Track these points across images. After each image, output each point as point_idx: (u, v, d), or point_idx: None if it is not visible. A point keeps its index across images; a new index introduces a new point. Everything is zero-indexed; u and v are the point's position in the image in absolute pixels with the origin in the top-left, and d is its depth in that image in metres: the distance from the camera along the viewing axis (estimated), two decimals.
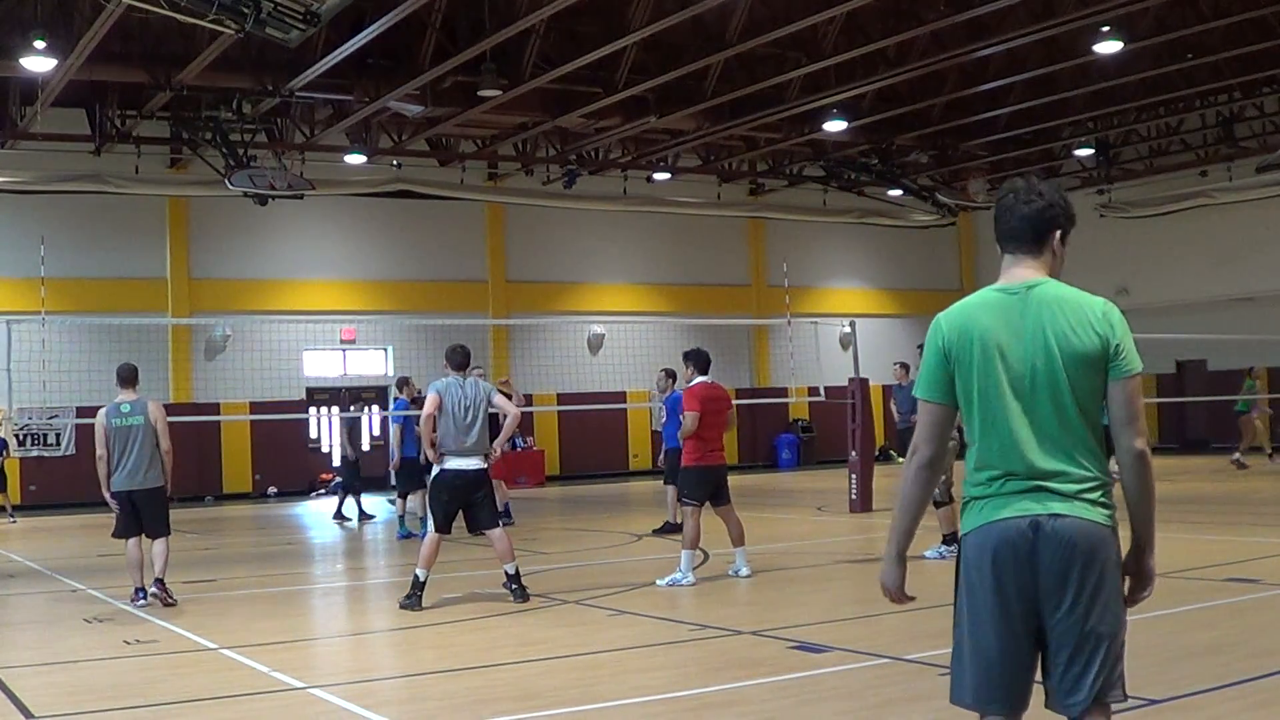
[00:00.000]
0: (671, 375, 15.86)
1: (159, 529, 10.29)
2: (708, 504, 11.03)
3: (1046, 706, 3.54)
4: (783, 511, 19.42)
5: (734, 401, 11.88)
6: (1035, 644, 3.51)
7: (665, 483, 15.88)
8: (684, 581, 10.68)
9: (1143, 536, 3.74)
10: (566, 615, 9.59)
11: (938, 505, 12.19)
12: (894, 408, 17.93)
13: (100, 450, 10.38)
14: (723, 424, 11.19)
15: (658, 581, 10.81)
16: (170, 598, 10.22)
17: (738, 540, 11.18)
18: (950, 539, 12.11)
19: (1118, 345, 3.58)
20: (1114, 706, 3.53)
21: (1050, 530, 3.49)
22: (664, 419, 15.78)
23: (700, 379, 11.22)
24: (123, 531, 10.36)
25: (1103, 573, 3.51)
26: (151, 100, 21.69)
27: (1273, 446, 24.51)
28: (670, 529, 15.07)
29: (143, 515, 10.26)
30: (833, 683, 6.84)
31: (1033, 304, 3.80)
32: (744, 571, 11.06)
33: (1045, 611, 3.47)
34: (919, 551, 12.37)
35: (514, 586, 10.04)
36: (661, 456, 16.36)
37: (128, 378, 10.56)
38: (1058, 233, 3.92)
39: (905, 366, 18.93)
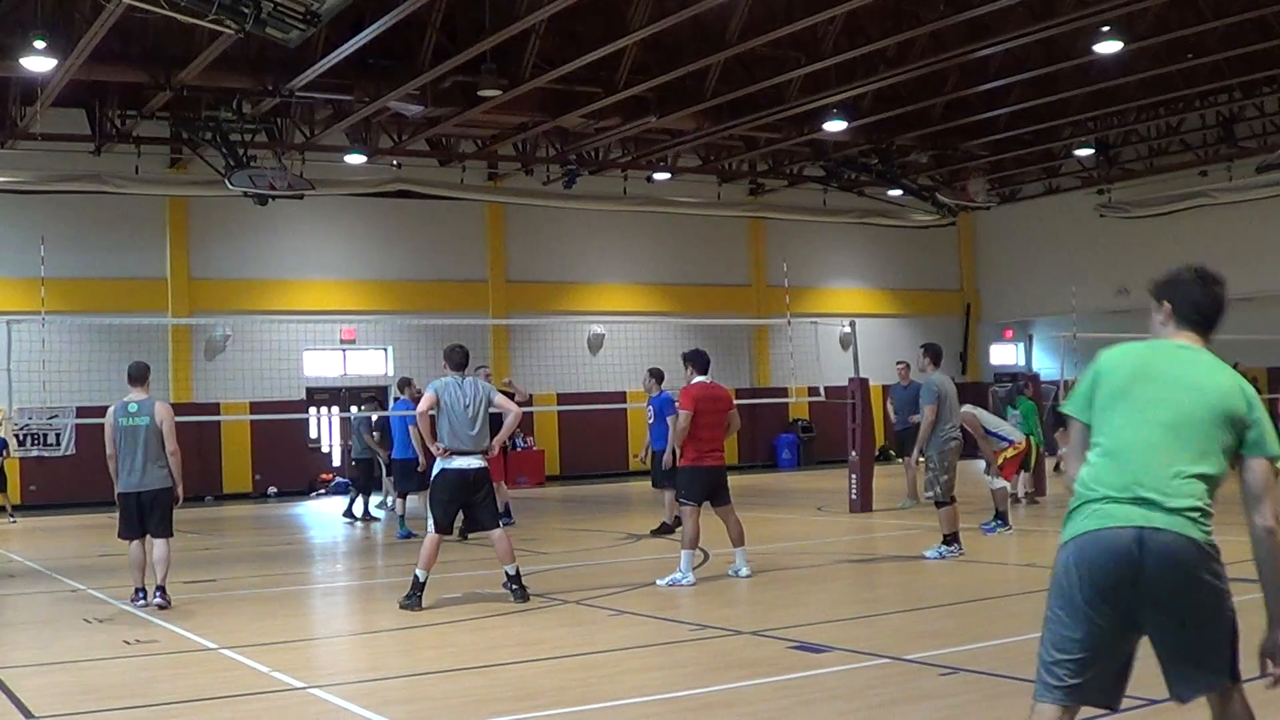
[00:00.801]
0: (657, 376, 15.81)
1: (162, 530, 10.24)
2: (708, 504, 11.04)
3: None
4: (783, 511, 19.41)
5: (734, 401, 11.83)
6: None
7: (654, 485, 15.81)
8: (684, 581, 10.68)
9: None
10: (566, 615, 9.59)
11: (939, 505, 12.20)
12: (889, 408, 17.93)
13: (109, 449, 10.36)
14: (721, 425, 11.16)
15: (658, 581, 10.81)
16: (168, 603, 10.21)
17: (737, 540, 11.18)
18: (950, 539, 12.12)
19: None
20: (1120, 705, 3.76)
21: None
22: (651, 420, 15.70)
23: (699, 379, 11.22)
24: (126, 532, 10.33)
25: None
26: (151, 100, 21.69)
27: None
28: (667, 529, 15.07)
29: (146, 516, 10.21)
30: (833, 683, 6.84)
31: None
32: (744, 572, 11.07)
33: None
34: (918, 551, 12.37)
35: (514, 587, 10.04)
36: (645, 455, 16.22)
37: (138, 377, 10.49)
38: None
39: (908, 366, 18.93)
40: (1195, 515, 3.83)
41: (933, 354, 12.69)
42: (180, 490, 10.40)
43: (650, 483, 15.96)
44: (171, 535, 10.36)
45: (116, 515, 10.53)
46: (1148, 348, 4.10)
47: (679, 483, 11.35)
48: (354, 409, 21.71)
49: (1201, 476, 3.84)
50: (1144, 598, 3.78)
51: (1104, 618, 3.79)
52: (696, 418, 10.87)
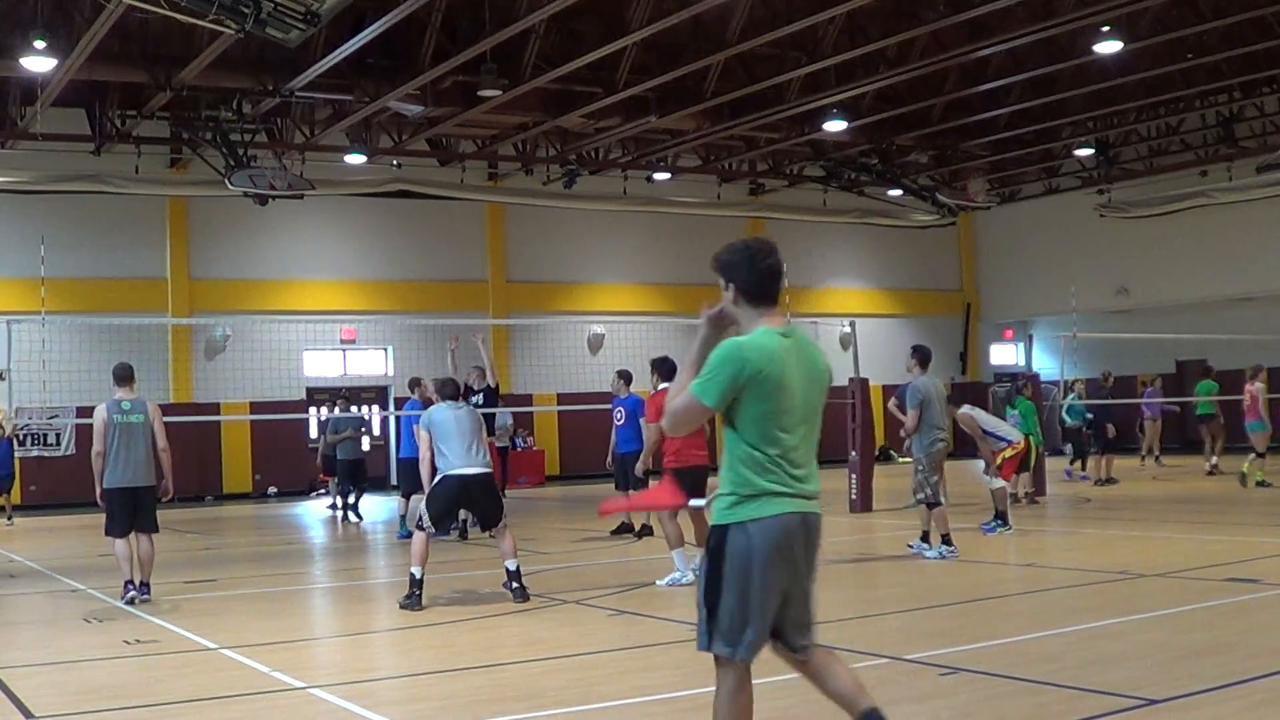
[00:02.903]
0: (625, 378, 15.81)
1: (152, 525, 10.59)
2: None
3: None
4: None
5: None
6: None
7: (616, 487, 15.71)
8: (684, 580, 10.67)
9: None
10: (566, 615, 9.59)
11: (930, 507, 12.21)
12: (892, 406, 17.86)
13: (99, 446, 10.41)
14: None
15: (658, 582, 10.81)
16: (149, 598, 10.46)
17: (701, 541, 11.03)
18: (946, 539, 12.13)
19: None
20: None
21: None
22: (621, 421, 15.63)
23: (665, 385, 11.26)
24: (119, 529, 10.45)
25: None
26: (151, 100, 21.69)
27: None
28: (627, 529, 15.19)
29: (140, 512, 10.47)
30: None
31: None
32: (688, 578, 10.78)
33: None
34: (918, 552, 12.38)
35: (515, 585, 10.05)
36: (609, 459, 16.09)
37: (125, 376, 10.67)
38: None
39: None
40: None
41: (920, 356, 12.67)
42: (171, 486, 10.68)
43: (614, 484, 15.89)
44: (158, 531, 10.70)
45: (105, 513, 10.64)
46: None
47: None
48: (334, 408, 21.62)
49: None
50: None
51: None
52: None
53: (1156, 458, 25.34)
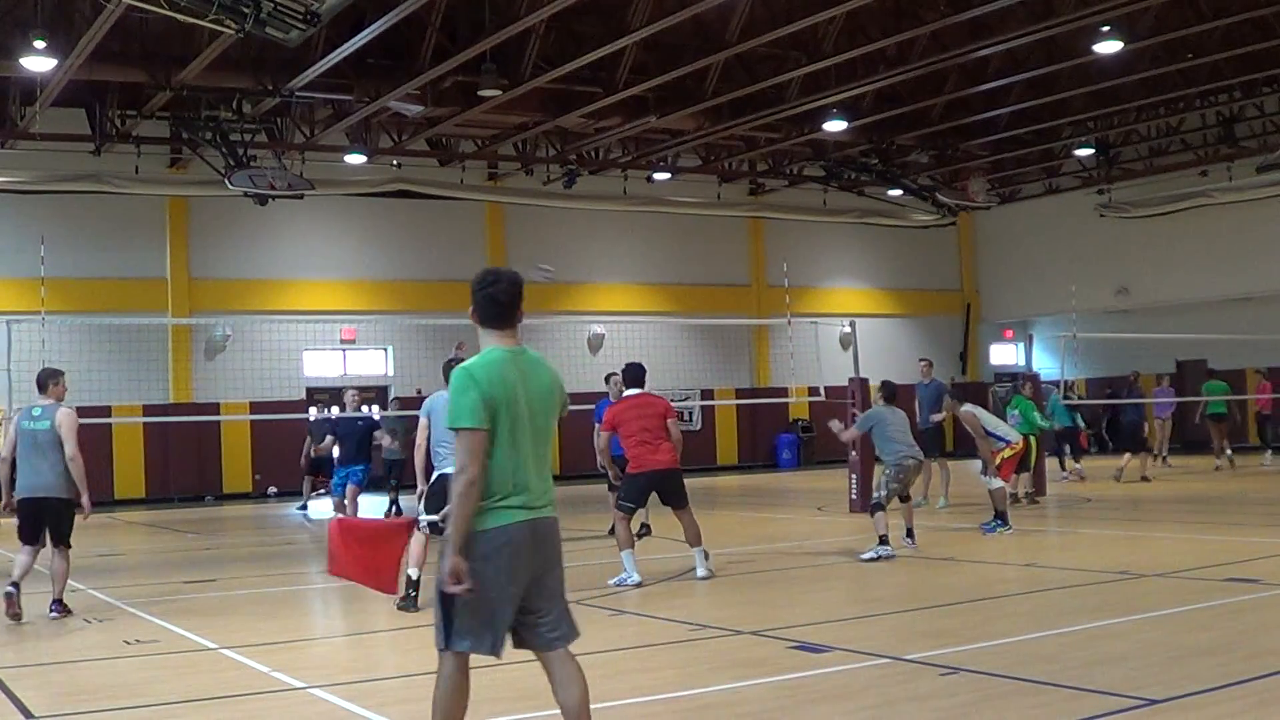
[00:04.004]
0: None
1: (61, 539, 9.92)
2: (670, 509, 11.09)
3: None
4: (783, 511, 19.43)
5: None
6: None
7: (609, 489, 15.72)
8: (629, 581, 10.74)
9: None
10: None
11: (877, 510, 12.38)
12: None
13: (4, 453, 10.12)
14: (649, 431, 11.00)
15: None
16: (64, 614, 9.94)
17: (694, 541, 11.11)
18: (884, 540, 12.23)
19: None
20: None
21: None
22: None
23: (630, 392, 11.31)
24: (22, 538, 9.93)
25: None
26: (151, 100, 21.69)
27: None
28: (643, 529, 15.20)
29: (47, 524, 9.85)
30: (833, 683, 6.84)
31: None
32: (700, 573, 10.95)
33: None
34: (918, 552, 12.38)
35: None
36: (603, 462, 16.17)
37: (41, 382, 10.22)
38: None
39: (929, 363, 19.06)
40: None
41: (885, 393, 13.24)
42: (85, 499, 9.89)
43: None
44: (69, 546, 10.01)
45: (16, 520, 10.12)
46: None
47: (621, 489, 11.46)
48: (338, 409, 21.58)
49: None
50: None
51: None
52: (620, 429, 10.99)
53: (1164, 458, 25.33)
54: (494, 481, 4.81)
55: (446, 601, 4.79)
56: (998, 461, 14.61)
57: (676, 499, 11.08)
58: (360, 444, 15.82)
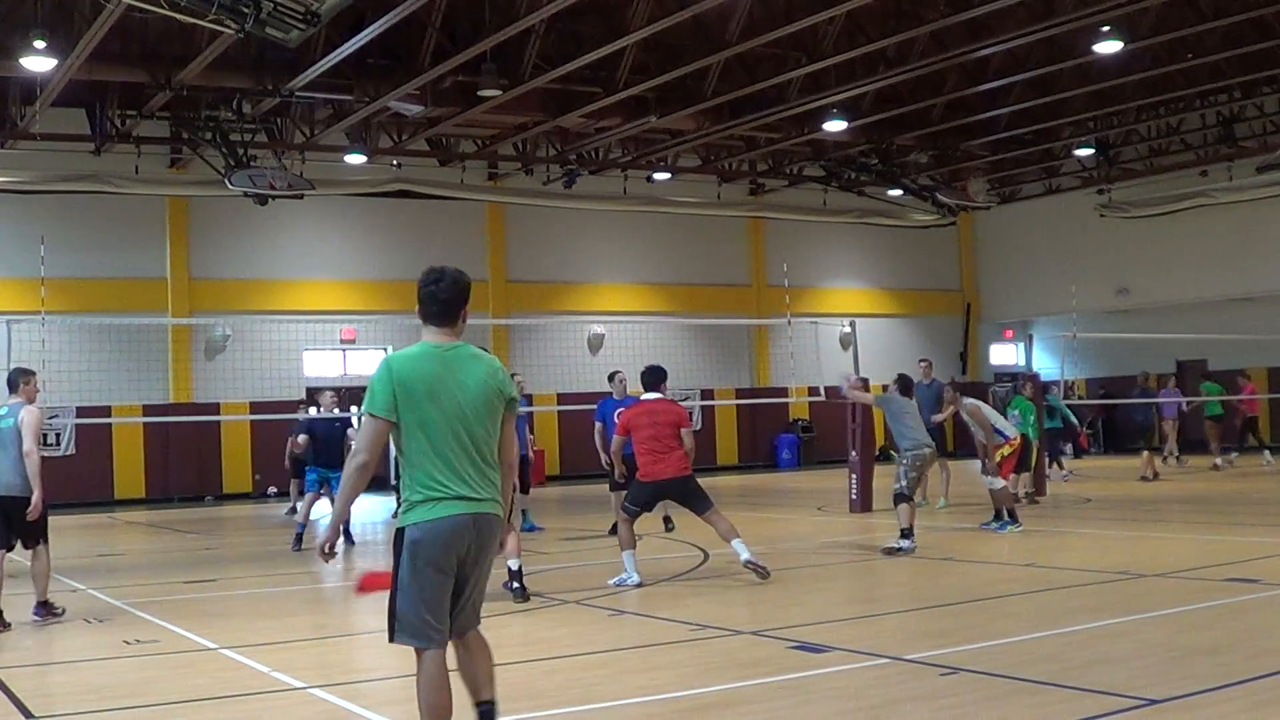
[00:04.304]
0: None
1: (33, 538, 9.74)
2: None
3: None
4: (783, 511, 19.43)
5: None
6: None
7: (611, 489, 15.69)
8: (630, 581, 10.72)
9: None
10: (567, 615, 9.59)
11: (902, 500, 12.58)
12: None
13: None
14: (662, 439, 10.96)
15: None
16: (46, 617, 9.79)
17: (729, 536, 10.99)
18: (907, 533, 12.40)
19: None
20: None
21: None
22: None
23: (648, 396, 11.29)
24: None
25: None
26: (151, 100, 21.69)
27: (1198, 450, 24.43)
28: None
29: (13, 523, 9.66)
30: (833, 683, 6.84)
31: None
32: (744, 555, 10.81)
33: None
34: (919, 552, 12.38)
35: (515, 585, 10.05)
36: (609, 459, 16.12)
37: (13, 382, 10.05)
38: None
39: (930, 363, 19.07)
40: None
41: (900, 386, 13.88)
42: (37, 496, 9.56)
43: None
44: (44, 543, 9.81)
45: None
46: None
47: (628, 492, 11.43)
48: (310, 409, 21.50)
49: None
50: None
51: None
52: (632, 434, 10.99)
53: (1178, 457, 25.25)
54: (418, 476, 4.96)
55: (390, 599, 4.97)
56: (998, 459, 14.60)
57: (695, 504, 10.96)
58: (338, 445, 15.46)
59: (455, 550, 4.95)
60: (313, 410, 16.88)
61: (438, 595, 4.96)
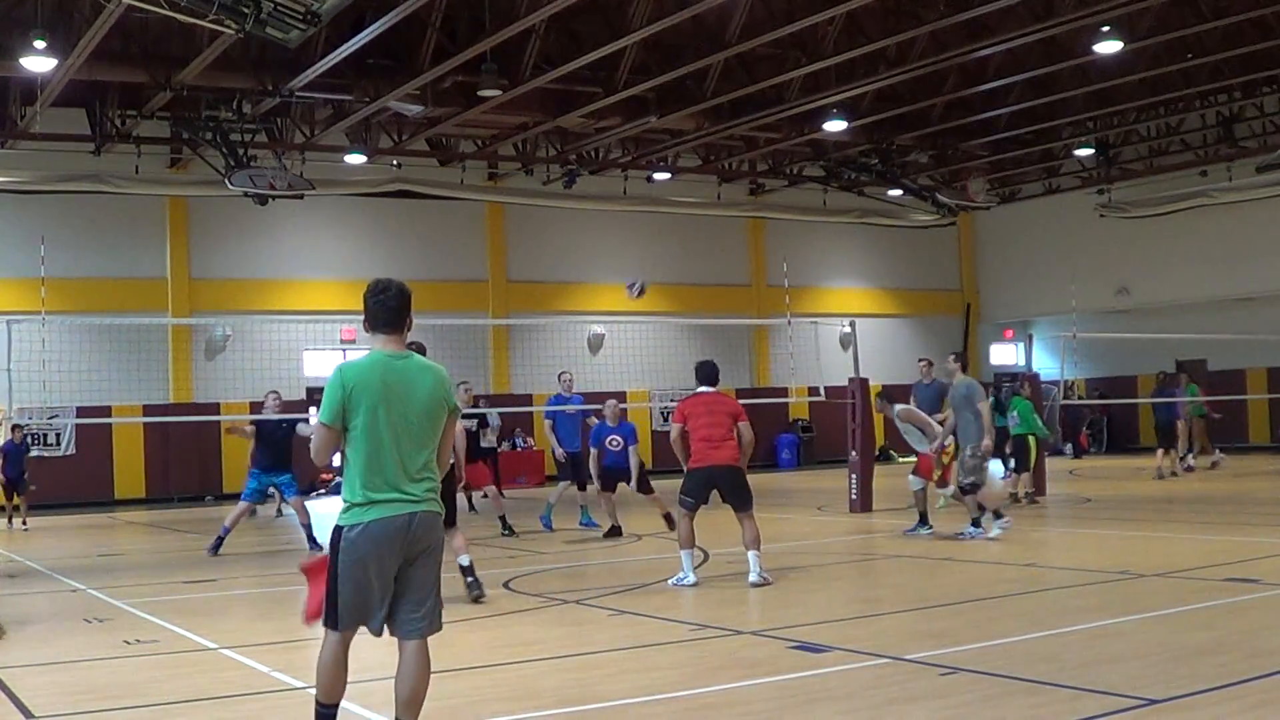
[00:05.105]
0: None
1: None
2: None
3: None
4: (783, 511, 19.41)
5: (741, 412, 11.66)
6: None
7: (602, 489, 15.66)
8: (686, 581, 10.69)
9: None
10: (566, 615, 9.59)
11: (973, 490, 13.26)
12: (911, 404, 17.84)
13: None
14: (716, 426, 11.01)
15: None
16: None
17: (751, 544, 10.95)
18: (997, 513, 13.36)
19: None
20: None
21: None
22: (618, 448, 15.50)
23: (702, 389, 11.27)
24: None
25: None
26: (151, 100, 21.70)
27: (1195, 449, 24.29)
28: (616, 532, 15.16)
29: None
30: (833, 683, 6.84)
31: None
32: (751, 578, 10.81)
33: None
34: (918, 551, 12.37)
35: (469, 579, 10.22)
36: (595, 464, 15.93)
37: None
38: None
39: (929, 363, 18.92)
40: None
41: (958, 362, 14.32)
42: None
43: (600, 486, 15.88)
44: None
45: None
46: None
47: (682, 483, 11.37)
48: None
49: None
50: None
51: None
52: (689, 423, 10.96)
53: (1194, 456, 25.18)
54: (361, 477, 5.21)
55: (329, 586, 5.30)
56: (947, 460, 14.45)
57: (737, 499, 10.93)
58: (283, 449, 15.10)
59: (389, 549, 5.20)
60: (265, 410, 16.31)
61: (365, 591, 5.22)
